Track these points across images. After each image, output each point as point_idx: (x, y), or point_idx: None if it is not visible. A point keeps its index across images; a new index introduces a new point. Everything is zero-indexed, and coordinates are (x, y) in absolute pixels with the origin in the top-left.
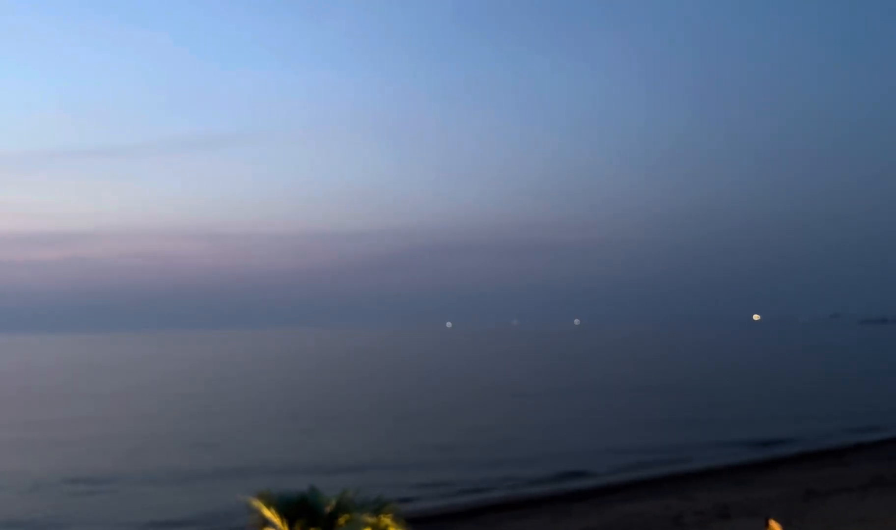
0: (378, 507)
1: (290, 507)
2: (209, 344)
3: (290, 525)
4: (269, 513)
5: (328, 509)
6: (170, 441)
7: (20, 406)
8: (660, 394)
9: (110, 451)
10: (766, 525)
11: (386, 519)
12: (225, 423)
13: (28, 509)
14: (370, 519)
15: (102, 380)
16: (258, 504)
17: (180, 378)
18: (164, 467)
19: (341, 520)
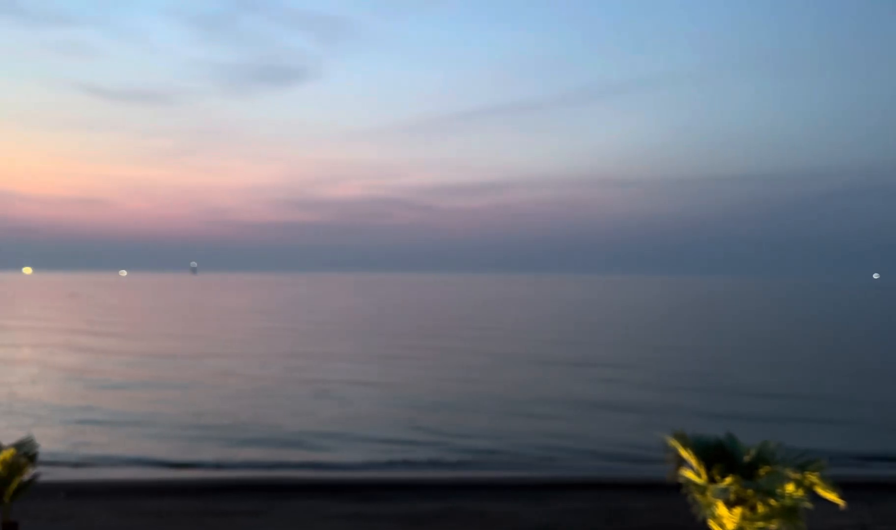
0: (804, 463)
1: (707, 451)
2: (629, 289)
3: (707, 468)
4: (685, 454)
5: (747, 458)
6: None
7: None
8: None
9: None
10: None
11: (812, 477)
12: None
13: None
14: (794, 475)
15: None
16: (675, 444)
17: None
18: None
19: (761, 471)
